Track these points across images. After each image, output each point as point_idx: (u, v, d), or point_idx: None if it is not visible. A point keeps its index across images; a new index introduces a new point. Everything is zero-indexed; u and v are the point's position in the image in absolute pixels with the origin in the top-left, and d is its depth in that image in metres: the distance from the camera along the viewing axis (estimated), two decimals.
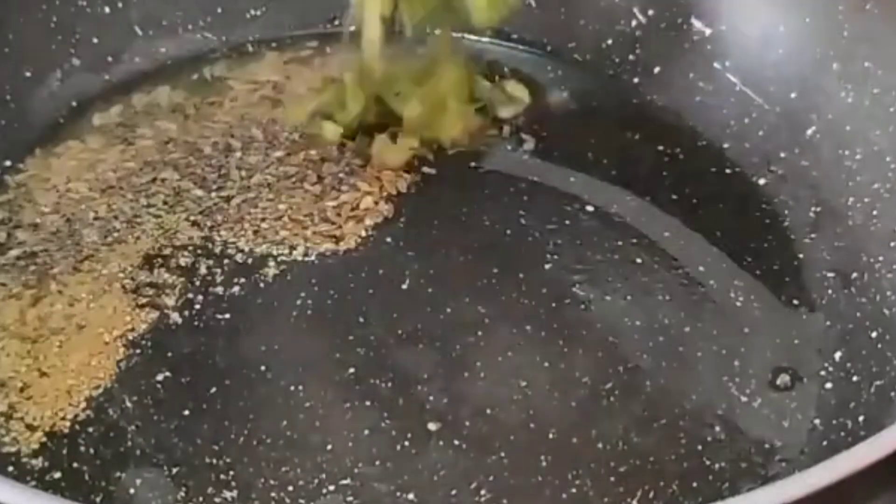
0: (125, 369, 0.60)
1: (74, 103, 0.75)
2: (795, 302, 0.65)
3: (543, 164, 0.73)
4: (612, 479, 0.56)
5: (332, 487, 0.56)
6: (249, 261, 0.66)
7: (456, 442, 0.58)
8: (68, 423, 0.58)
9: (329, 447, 0.57)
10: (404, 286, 0.65)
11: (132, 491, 0.55)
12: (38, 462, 0.56)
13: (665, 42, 0.77)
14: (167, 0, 0.78)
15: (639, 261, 0.67)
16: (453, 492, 0.56)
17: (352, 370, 0.61)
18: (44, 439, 0.57)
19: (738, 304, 0.65)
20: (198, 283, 0.65)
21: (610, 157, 0.73)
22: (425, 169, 0.72)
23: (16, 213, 0.68)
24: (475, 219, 0.69)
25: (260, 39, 0.80)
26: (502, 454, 0.57)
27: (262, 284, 0.65)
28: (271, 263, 0.66)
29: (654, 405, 0.60)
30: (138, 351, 0.61)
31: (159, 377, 0.60)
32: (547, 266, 0.67)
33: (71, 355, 0.60)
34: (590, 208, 0.70)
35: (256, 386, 0.60)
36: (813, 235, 0.68)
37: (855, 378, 0.60)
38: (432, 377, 0.61)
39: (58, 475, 0.56)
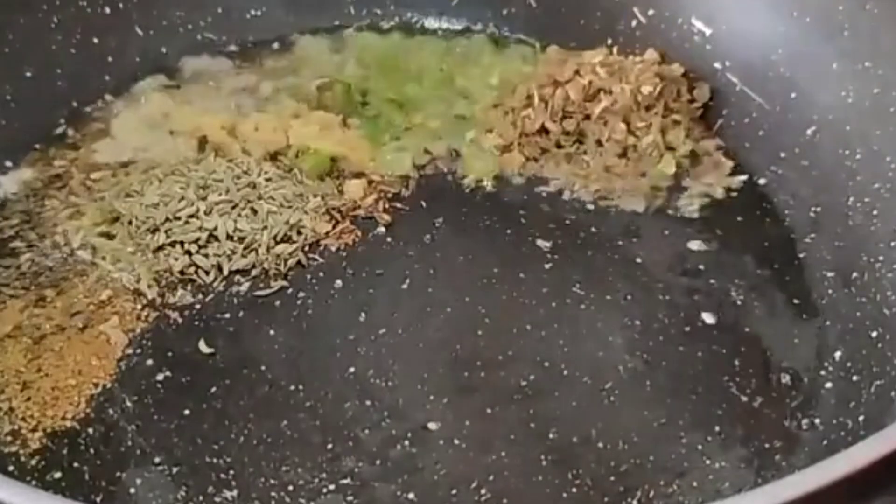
0: (125, 369, 0.60)
1: (74, 103, 0.74)
2: (795, 301, 0.65)
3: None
4: (612, 479, 0.57)
5: (332, 487, 0.56)
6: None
7: (456, 442, 0.58)
8: (68, 423, 0.58)
9: (329, 447, 0.57)
10: (404, 286, 0.65)
11: (132, 491, 0.55)
12: (37, 462, 0.56)
13: (665, 42, 0.77)
14: (167, 0, 0.78)
15: (639, 261, 0.67)
16: (453, 492, 0.56)
17: (352, 370, 0.61)
18: (44, 439, 0.57)
19: (738, 303, 0.65)
20: (198, 283, 0.65)
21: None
22: (427, 171, 0.72)
23: (16, 213, 0.68)
24: (475, 219, 0.69)
25: (260, 39, 0.80)
26: (502, 454, 0.57)
27: (262, 284, 0.65)
28: (271, 263, 0.66)
29: (654, 405, 0.60)
30: (138, 351, 0.61)
31: (159, 377, 0.60)
32: (547, 266, 0.67)
33: (71, 355, 0.61)
34: (590, 208, 0.70)
35: (256, 386, 0.60)
36: (813, 235, 0.68)
37: (855, 378, 0.60)
38: (433, 377, 0.61)
39: (58, 475, 0.56)
